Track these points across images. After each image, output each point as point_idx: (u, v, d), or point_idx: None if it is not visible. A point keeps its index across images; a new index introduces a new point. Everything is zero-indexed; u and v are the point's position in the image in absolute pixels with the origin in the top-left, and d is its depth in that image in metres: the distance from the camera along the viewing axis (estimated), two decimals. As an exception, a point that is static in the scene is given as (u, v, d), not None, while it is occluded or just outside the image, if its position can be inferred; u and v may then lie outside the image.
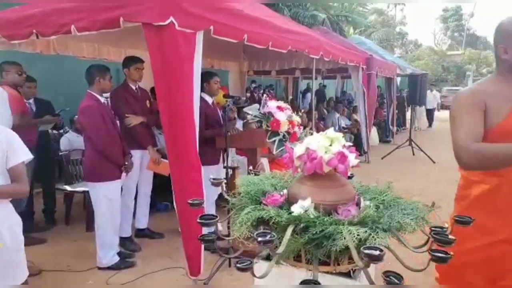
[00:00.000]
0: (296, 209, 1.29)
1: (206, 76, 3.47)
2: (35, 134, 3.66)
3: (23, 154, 1.85)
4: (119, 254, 3.24)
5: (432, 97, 13.33)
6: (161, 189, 4.12)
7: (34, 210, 4.07)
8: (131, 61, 3.53)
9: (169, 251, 3.49)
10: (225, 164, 3.41)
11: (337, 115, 8.93)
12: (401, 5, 40.12)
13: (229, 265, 3.10)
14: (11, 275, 1.83)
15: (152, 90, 3.84)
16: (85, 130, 3.16)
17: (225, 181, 1.99)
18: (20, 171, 1.83)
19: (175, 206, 2.70)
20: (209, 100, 3.61)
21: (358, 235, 1.14)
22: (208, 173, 2.72)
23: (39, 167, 3.78)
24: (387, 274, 1.05)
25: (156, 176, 3.79)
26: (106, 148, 3.07)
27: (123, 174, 3.24)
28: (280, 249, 1.16)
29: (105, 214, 3.11)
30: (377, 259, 0.99)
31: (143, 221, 3.83)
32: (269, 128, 3.21)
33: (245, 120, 4.21)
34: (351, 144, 1.43)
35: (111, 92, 3.46)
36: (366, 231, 1.16)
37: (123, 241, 3.52)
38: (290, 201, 1.39)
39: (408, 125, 10.74)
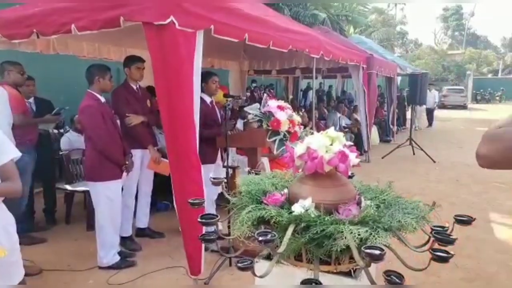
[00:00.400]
0: (297, 208, 1.29)
1: (204, 76, 3.47)
2: (35, 134, 3.66)
3: (11, 152, 1.79)
4: (119, 253, 3.24)
5: (432, 97, 13.31)
6: (161, 189, 4.12)
7: (34, 210, 4.07)
8: (132, 60, 3.53)
9: (169, 251, 3.49)
10: (225, 164, 3.41)
11: (339, 115, 8.91)
12: (401, 5, 40.12)
13: (230, 265, 3.10)
14: (7, 276, 1.81)
15: (149, 88, 3.84)
16: (86, 129, 3.16)
17: (225, 180, 1.99)
18: (10, 169, 1.76)
19: (175, 206, 2.70)
20: (208, 99, 3.61)
21: (359, 234, 1.14)
22: (207, 171, 2.73)
23: (40, 167, 3.78)
24: (388, 273, 1.05)
25: (156, 175, 3.79)
26: (107, 148, 3.07)
27: (124, 173, 3.24)
28: (281, 249, 1.16)
29: (106, 214, 3.11)
30: (378, 258, 0.99)
31: (143, 221, 3.83)
32: (270, 128, 3.20)
33: (245, 120, 4.20)
34: (351, 143, 1.43)
35: (112, 92, 3.45)
36: (367, 231, 1.16)
37: (124, 240, 3.52)
38: (290, 200, 1.39)
39: (408, 125, 10.74)
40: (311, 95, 11.51)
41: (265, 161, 3.79)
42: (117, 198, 3.18)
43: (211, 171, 3.36)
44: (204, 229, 2.07)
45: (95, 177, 3.10)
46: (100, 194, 3.10)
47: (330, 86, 13.63)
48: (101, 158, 3.06)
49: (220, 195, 3.49)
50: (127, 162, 3.22)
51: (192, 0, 2.54)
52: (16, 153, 1.81)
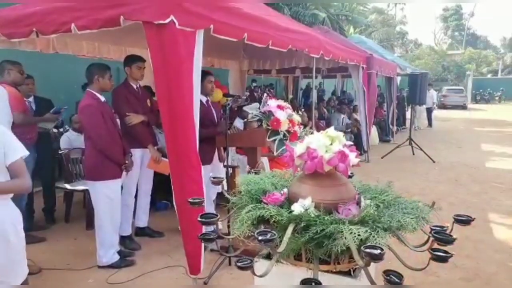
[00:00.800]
0: (297, 208, 1.29)
1: (202, 76, 3.46)
2: (35, 133, 3.66)
3: (21, 150, 1.86)
4: (119, 252, 3.24)
5: (430, 97, 13.28)
6: (161, 188, 4.12)
7: (34, 209, 4.07)
8: (132, 60, 3.52)
9: (169, 250, 3.49)
10: (225, 163, 3.41)
11: (342, 116, 8.79)
12: (401, 5, 40.13)
13: (229, 264, 3.10)
14: (13, 274, 1.85)
15: (145, 88, 3.84)
16: (85, 129, 3.16)
17: (225, 180, 1.99)
18: (20, 166, 1.83)
19: (174, 205, 2.70)
20: (204, 99, 3.59)
21: (359, 235, 1.14)
22: (204, 172, 2.72)
23: (39, 166, 3.78)
24: (387, 273, 1.05)
25: (155, 174, 3.79)
26: (106, 147, 3.06)
27: (123, 173, 3.23)
28: (281, 248, 1.16)
29: (105, 213, 3.11)
30: (377, 258, 1.00)
31: (143, 220, 3.83)
32: (270, 127, 3.20)
33: (245, 120, 4.20)
34: (351, 143, 1.43)
35: (112, 91, 3.45)
36: (366, 231, 1.16)
37: (123, 239, 3.52)
38: (290, 200, 1.39)
39: (408, 125, 10.74)
40: (314, 94, 11.55)
41: (264, 160, 3.80)
42: (117, 197, 3.18)
43: (208, 171, 3.36)
44: (204, 229, 2.07)
45: (94, 176, 3.09)
46: (100, 193, 3.09)
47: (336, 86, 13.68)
48: (101, 157, 3.05)
49: (220, 195, 3.49)
50: (126, 162, 3.22)
51: (192, 0, 2.54)
52: (24, 152, 1.88)
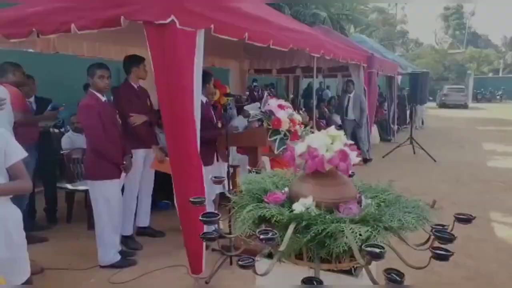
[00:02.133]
0: (298, 207, 1.29)
1: (207, 77, 3.47)
2: (37, 133, 3.66)
3: (20, 152, 1.89)
4: (120, 252, 3.25)
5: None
6: (162, 188, 4.12)
7: (35, 209, 4.08)
8: (138, 60, 3.51)
9: (170, 250, 3.49)
10: (226, 163, 3.41)
11: (348, 95, 7.81)
12: (402, 4, 40.10)
13: (231, 263, 3.10)
14: (17, 272, 1.89)
15: None
16: (83, 128, 3.19)
17: (226, 180, 1.99)
18: (20, 168, 1.87)
19: (175, 205, 2.71)
20: (203, 99, 3.59)
21: (360, 234, 1.14)
22: (205, 173, 2.73)
23: (41, 166, 3.78)
24: (388, 271, 1.05)
25: (156, 175, 3.80)
26: (103, 148, 3.06)
27: (123, 173, 3.23)
28: (282, 247, 1.16)
29: (104, 213, 3.10)
30: (378, 257, 1.00)
31: (144, 220, 3.83)
32: (270, 127, 3.21)
33: (247, 119, 4.20)
34: (352, 142, 1.43)
35: (113, 91, 3.45)
36: (367, 230, 1.16)
37: (125, 239, 3.52)
38: (291, 199, 1.39)
39: (409, 124, 10.73)
40: (328, 93, 11.46)
41: (265, 160, 3.80)
42: (114, 197, 3.16)
43: (208, 173, 3.36)
44: (205, 228, 2.08)
45: (92, 175, 3.10)
46: (97, 193, 3.10)
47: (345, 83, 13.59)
48: (99, 157, 3.06)
49: (222, 194, 3.49)
50: (124, 162, 3.22)
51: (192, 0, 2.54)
52: (23, 153, 1.90)
